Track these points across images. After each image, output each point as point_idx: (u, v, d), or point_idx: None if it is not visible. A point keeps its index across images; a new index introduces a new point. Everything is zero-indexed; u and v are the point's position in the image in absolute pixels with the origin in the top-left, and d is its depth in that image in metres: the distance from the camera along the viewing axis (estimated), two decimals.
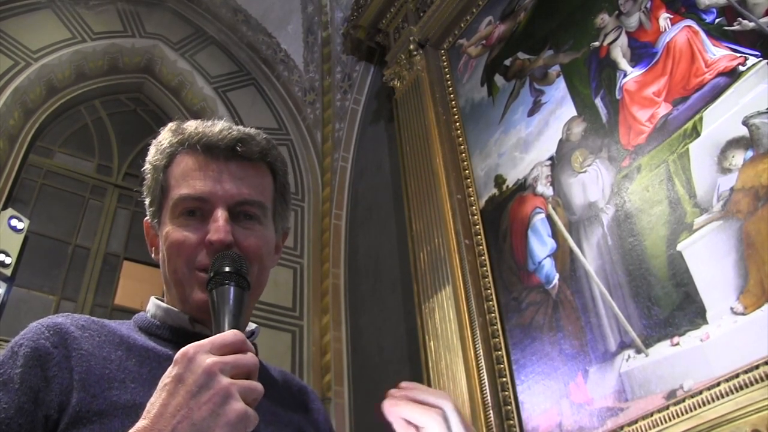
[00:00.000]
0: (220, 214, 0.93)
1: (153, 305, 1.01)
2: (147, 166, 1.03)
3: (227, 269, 0.85)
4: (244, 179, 0.98)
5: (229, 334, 0.74)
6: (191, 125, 1.01)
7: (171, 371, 0.70)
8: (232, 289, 0.83)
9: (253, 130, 1.02)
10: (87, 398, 0.80)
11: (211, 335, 0.74)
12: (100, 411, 0.80)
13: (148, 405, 0.70)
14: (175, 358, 0.71)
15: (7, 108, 4.41)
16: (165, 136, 1.02)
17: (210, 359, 0.69)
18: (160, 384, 0.70)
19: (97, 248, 4.59)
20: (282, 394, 1.02)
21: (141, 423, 0.68)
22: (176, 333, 0.95)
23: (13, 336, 0.87)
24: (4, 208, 4.14)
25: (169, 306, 0.98)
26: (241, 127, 1.01)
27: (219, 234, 0.91)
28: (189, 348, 0.71)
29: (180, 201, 0.96)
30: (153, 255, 1.03)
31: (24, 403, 0.78)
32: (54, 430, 0.79)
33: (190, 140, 0.98)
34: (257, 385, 0.71)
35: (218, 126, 1.00)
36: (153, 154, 1.02)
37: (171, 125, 1.04)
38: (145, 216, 1.05)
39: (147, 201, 1.03)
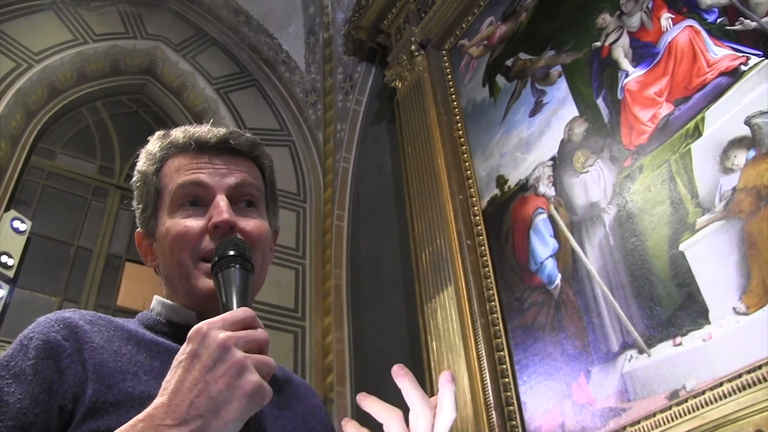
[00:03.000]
0: (220, 198, 0.95)
1: (158, 303, 1.01)
2: (137, 175, 1.04)
3: (231, 252, 0.86)
4: (238, 166, 1.01)
5: (239, 311, 0.75)
6: (179, 130, 1.04)
7: (185, 348, 0.71)
8: (237, 271, 0.84)
9: (239, 130, 1.06)
10: (103, 389, 0.80)
11: None
12: (116, 402, 0.80)
13: (164, 383, 0.70)
14: (188, 335, 0.72)
15: (10, 110, 4.42)
16: (154, 143, 1.04)
17: (223, 334, 0.70)
18: (175, 362, 0.71)
19: (100, 249, 4.60)
20: (286, 389, 1.02)
21: (158, 400, 0.69)
22: (182, 330, 0.94)
23: (15, 338, 0.87)
24: (7, 209, 4.15)
25: (175, 303, 0.98)
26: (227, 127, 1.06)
27: (223, 215, 0.92)
28: (202, 324, 0.72)
29: (178, 190, 0.96)
30: (148, 264, 1.04)
31: (38, 394, 0.78)
32: (69, 421, 0.79)
33: (182, 140, 1.01)
34: (270, 360, 0.72)
35: (206, 126, 1.04)
36: (143, 162, 1.04)
37: (158, 133, 1.06)
38: (137, 225, 1.05)
39: (139, 209, 1.03)
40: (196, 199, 0.96)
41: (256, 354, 0.71)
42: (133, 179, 1.05)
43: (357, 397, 0.85)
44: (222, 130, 1.02)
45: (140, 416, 0.68)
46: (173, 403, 0.67)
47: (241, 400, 0.67)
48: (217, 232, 0.92)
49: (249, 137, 1.04)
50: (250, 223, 0.96)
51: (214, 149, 1.00)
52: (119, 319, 0.95)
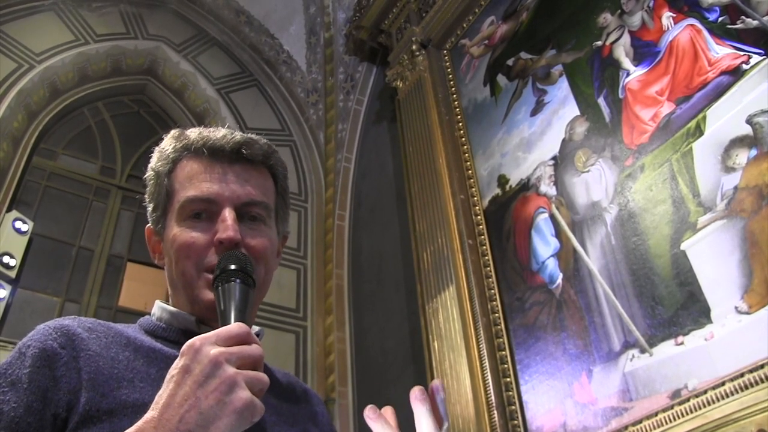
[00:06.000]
0: (228, 213, 0.94)
1: (158, 308, 1.01)
2: (150, 173, 1.04)
3: (233, 267, 0.86)
4: (249, 180, 0.99)
5: (234, 327, 0.75)
6: (194, 131, 1.03)
7: (178, 363, 0.71)
8: (238, 285, 0.84)
9: (254, 135, 1.04)
10: (96, 397, 0.81)
11: None
12: (109, 410, 0.80)
13: (156, 397, 0.70)
14: (182, 350, 0.72)
15: (11, 110, 4.43)
16: (168, 143, 1.03)
17: (215, 350, 0.70)
18: (168, 376, 0.71)
19: (101, 250, 4.60)
20: (287, 396, 1.02)
21: (149, 414, 0.69)
22: (182, 335, 0.95)
23: (17, 338, 0.88)
24: (9, 210, 4.15)
25: (175, 308, 0.98)
26: (242, 133, 1.04)
27: (228, 232, 0.92)
28: (195, 340, 0.72)
29: (187, 203, 0.96)
30: (156, 260, 1.04)
31: (33, 402, 0.79)
32: (63, 429, 0.79)
33: (195, 144, 1.00)
34: (263, 376, 0.72)
35: (221, 131, 1.02)
36: (156, 160, 1.03)
37: (173, 132, 1.05)
38: (148, 221, 1.06)
39: (150, 207, 1.04)
40: (204, 212, 0.96)
41: (249, 370, 0.71)
42: (146, 175, 1.05)
43: None
44: (237, 137, 1.00)
45: (131, 430, 0.69)
46: (163, 417, 0.68)
47: (230, 416, 0.68)
48: (222, 247, 0.92)
49: (263, 146, 1.03)
50: (255, 239, 0.96)
51: (227, 158, 0.99)
52: (119, 325, 0.95)
